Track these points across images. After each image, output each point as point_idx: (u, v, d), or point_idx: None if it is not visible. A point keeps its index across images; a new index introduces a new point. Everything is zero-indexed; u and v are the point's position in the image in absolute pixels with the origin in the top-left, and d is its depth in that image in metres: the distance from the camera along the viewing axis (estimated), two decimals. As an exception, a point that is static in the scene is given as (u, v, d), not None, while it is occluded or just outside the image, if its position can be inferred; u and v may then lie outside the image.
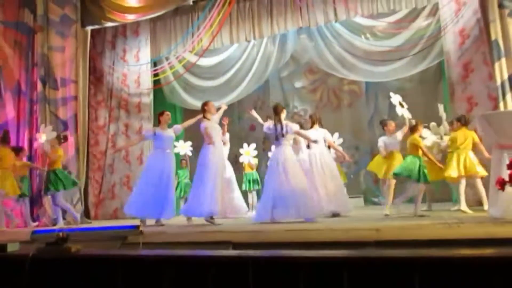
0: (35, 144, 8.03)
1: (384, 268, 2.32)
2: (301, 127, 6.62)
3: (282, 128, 5.99)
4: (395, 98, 6.35)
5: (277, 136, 6.03)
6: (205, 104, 6.32)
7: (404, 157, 6.05)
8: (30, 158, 8.41)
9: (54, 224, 7.53)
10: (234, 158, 8.74)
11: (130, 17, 8.88)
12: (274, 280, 2.51)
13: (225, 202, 5.93)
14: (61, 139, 7.72)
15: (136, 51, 9.66)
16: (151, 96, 9.57)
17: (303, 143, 6.75)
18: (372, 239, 3.01)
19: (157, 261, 2.83)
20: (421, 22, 7.94)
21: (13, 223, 7.51)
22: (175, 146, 8.14)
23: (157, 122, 6.97)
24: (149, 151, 8.61)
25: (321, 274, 2.42)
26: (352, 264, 2.38)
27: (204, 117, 6.21)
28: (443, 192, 8.80)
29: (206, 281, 2.62)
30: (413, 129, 5.90)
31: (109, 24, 9.15)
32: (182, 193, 8.64)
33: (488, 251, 2.44)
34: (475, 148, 5.98)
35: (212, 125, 6.17)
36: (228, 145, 8.01)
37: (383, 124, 6.81)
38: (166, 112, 6.86)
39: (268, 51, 9.32)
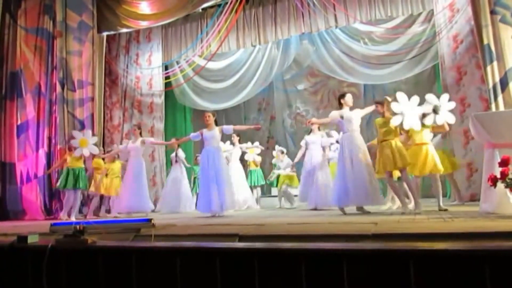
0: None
1: (381, 260, 2.31)
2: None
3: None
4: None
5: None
6: (342, 96, 5.89)
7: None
8: (49, 157, 8.45)
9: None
10: (240, 156, 8.76)
11: (143, 24, 8.91)
12: (278, 270, 2.50)
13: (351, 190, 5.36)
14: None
15: (149, 55, 9.70)
16: (163, 97, 9.60)
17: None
18: (370, 232, 2.99)
19: (168, 252, 2.83)
20: (417, 28, 7.91)
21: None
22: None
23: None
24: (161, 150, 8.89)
25: (321, 265, 2.41)
26: (351, 256, 2.37)
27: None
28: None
29: (214, 271, 2.61)
30: None
31: (124, 30, 9.20)
32: (197, 189, 8.68)
33: (479, 244, 2.42)
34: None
35: (350, 115, 5.75)
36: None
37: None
38: (205, 114, 6.73)
39: (272, 55, 9.33)
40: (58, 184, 7.43)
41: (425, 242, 2.63)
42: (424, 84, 8.96)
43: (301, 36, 8.97)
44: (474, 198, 6.49)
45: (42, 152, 8.45)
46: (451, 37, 7.17)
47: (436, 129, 5.48)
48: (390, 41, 8.24)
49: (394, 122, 5.15)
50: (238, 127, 7.21)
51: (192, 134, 6.95)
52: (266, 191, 10.29)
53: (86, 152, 7.22)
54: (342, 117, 5.71)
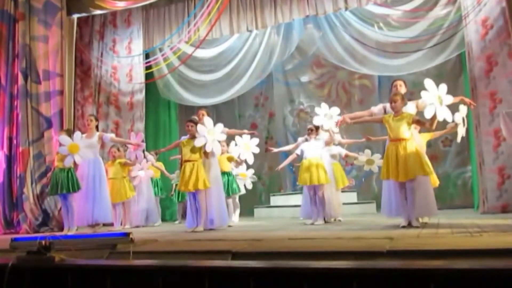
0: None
1: (398, 281, 2.32)
2: None
3: None
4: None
5: None
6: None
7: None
8: (9, 160, 8.40)
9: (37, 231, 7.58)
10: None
11: (121, 4, 8.85)
12: (277, 293, 2.51)
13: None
14: None
15: (127, 41, 9.69)
16: (144, 92, 9.58)
17: None
18: (385, 249, 3.00)
19: (149, 272, 2.83)
20: (440, 10, 7.92)
21: None
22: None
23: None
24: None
25: (328, 287, 2.42)
26: (362, 276, 2.37)
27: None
28: (465, 199, 8.82)
29: (203, 294, 2.61)
30: None
31: (98, 12, 9.14)
32: (180, 197, 8.67)
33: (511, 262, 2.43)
34: None
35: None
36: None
37: None
38: (199, 112, 6.86)
39: (272, 42, 9.33)
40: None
41: (448, 260, 2.64)
42: (448, 76, 8.97)
43: (305, 20, 8.98)
44: (506, 209, 6.51)
45: (1, 155, 8.41)
46: (479, 22, 7.19)
47: (420, 125, 5.26)
48: (409, 26, 8.25)
49: (427, 114, 4.99)
50: (232, 131, 7.12)
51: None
52: (264, 201, 10.31)
53: (78, 159, 6.82)
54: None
